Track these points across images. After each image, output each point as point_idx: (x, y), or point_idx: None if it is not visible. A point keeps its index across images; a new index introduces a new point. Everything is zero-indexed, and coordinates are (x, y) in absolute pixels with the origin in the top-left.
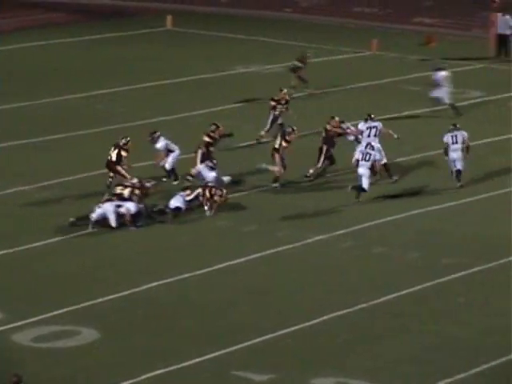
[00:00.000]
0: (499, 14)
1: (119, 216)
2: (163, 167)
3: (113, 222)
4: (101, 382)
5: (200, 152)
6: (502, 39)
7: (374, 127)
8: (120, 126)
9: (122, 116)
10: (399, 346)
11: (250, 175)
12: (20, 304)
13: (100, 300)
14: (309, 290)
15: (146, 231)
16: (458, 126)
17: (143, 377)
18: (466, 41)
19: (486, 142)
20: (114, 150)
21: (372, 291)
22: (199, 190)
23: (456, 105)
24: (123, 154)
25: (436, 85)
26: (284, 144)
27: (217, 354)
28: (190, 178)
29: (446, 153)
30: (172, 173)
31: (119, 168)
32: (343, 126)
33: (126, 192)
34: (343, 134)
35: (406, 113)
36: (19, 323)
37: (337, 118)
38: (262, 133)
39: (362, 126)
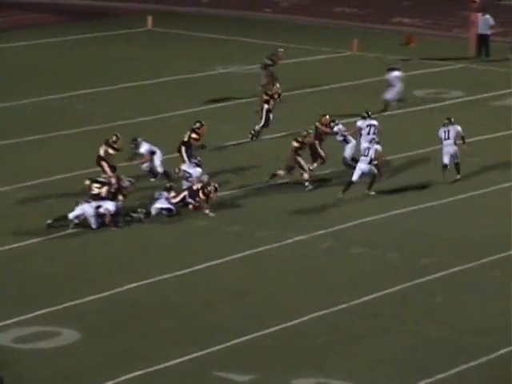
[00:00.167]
0: (479, 14)
1: (99, 216)
2: (151, 171)
3: (93, 225)
4: (81, 382)
5: (184, 149)
6: (482, 39)
7: (372, 125)
8: (101, 127)
9: (103, 116)
10: (379, 347)
11: (232, 175)
12: (0, 305)
13: (81, 301)
14: (289, 291)
15: (126, 231)
16: (452, 120)
17: (124, 377)
18: (446, 41)
19: (468, 141)
20: (104, 146)
21: (352, 291)
22: (185, 193)
23: (391, 104)
24: (110, 151)
25: (389, 85)
26: (296, 144)
27: (198, 354)
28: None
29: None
30: (165, 175)
31: (103, 163)
32: (333, 125)
33: (104, 191)
34: (330, 134)
35: (387, 113)
36: (0, 324)
37: (327, 116)
38: (257, 127)
39: (361, 123)
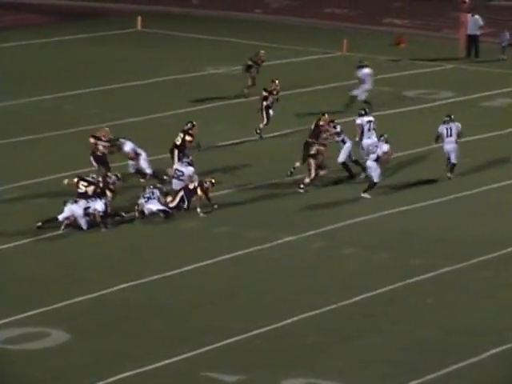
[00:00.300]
0: (469, 15)
1: (89, 217)
2: (138, 172)
3: (84, 226)
4: (71, 383)
5: (177, 152)
6: (472, 40)
7: (370, 121)
8: (90, 127)
9: (93, 117)
10: (369, 347)
11: (222, 176)
12: None
13: (70, 301)
14: (279, 291)
15: (115, 232)
16: (452, 117)
17: (113, 378)
18: (436, 41)
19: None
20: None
21: (342, 292)
22: (182, 194)
23: (354, 100)
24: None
25: (359, 82)
26: (321, 148)
27: (187, 355)
28: (165, 177)
29: (437, 141)
30: (154, 175)
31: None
32: (334, 125)
33: (90, 190)
34: (333, 135)
35: (376, 113)
36: None
37: (326, 116)
38: (261, 125)
39: (361, 121)
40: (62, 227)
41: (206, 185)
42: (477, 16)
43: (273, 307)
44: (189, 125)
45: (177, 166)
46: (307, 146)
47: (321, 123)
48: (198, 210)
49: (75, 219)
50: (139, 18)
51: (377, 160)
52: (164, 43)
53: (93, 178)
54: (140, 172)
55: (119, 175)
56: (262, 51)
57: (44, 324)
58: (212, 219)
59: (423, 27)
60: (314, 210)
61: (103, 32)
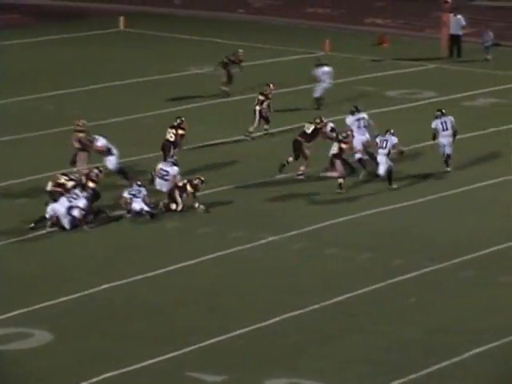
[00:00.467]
0: (451, 15)
1: (72, 216)
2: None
3: (66, 225)
4: None
5: (172, 148)
6: (455, 39)
7: (362, 118)
8: (72, 128)
9: (76, 117)
10: (352, 347)
11: (205, 176)
12: None
13: (53, 302)
14: (262, 291)
15: (99, 232)
16: (444, 111)
17: (96, 379)
18: (419, 41)
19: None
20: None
21: (324, 292)
22: (178, 192)
23: (321, 100)
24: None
25: (317, 80)
26: (344, 146)
27: (170, 355)
28: (150, 175)
29: (435, 138)
30: (121, 172)
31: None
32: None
33: (70, 184)
34: (329, 138)
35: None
36: None
37: (323, 119)
38: (251, 129)
39: (350, 120)
40: (48, 226)
41: (195, 181)
42: (459, 16)
43: (256, 307)
44: (178, 120)
45: (161, 165)
46: (297, 144)
47: (319, 127)
48: (196, 204)
49: (58, 219)
50: (122, 18)
51: (388, 154)
52: (147, 43)
53: (75, 175)
54: (122, 172)
55: (101, 169)
56: (241, 50)
57: (27, 324)
58: (195, 219)
59: (406, 27)
60: (297, 210)
61: (86, 32)
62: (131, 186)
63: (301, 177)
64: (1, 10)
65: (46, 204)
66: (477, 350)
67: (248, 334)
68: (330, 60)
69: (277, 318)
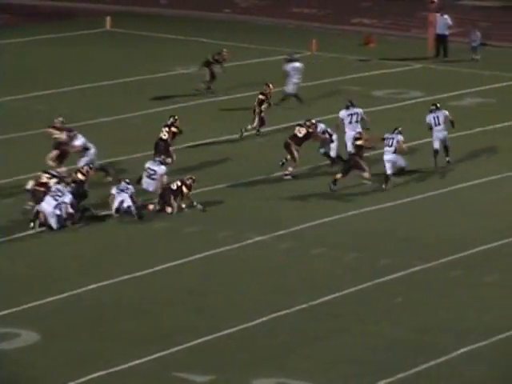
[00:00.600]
0: (438, 15)
1: (59, 217)
2: (102, 169)
3: (54, 225)
4: None
5: (164, 144)
6: (441, 39)
7: (355, 113)
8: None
9: (64, 117)
10: (339, 347)
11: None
12: None
13: (40, 302)
14: (249, 291)
15: (87, 232)
16: (438, 105)
17: (83, 379)
18: (405, 41)
19: (425, 142)
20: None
21: (311, 292)
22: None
23: (298, 95)
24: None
25: (287, 76)
26: (359, 143)
27: (157, 355)
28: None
29: (431, 131)
30: (101, 168)
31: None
32: (321, 132)
33: (52, 182)
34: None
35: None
36: None
37: (313, 120)
38: (249, 127)
39: (342, 113)
40: (35, 226)
41: (188, 182)
42: (445, 16)
43: (243, 307)
44: (171, 119)
45: (149, 164)
46: (287, 146)
47: (310, 130)
48: (195, 203)
49: (45, 218)
50: (108, 18)
51: (394, 152)
52: (133, 43)
53: (56, 172)
54: (103, 168)
55: (91, 165)
56: (225, 50)
57: (14, 324)
58: (182, 219)
59: (392, 27)
60: (284, 210)
61: (72, 32)
62: (119, 182)
63: (288, 177)
64: None
65: (29, 204)
66: (465, 350)
67: (236, 333)
68: (317, 60)
69: (264, 318)
